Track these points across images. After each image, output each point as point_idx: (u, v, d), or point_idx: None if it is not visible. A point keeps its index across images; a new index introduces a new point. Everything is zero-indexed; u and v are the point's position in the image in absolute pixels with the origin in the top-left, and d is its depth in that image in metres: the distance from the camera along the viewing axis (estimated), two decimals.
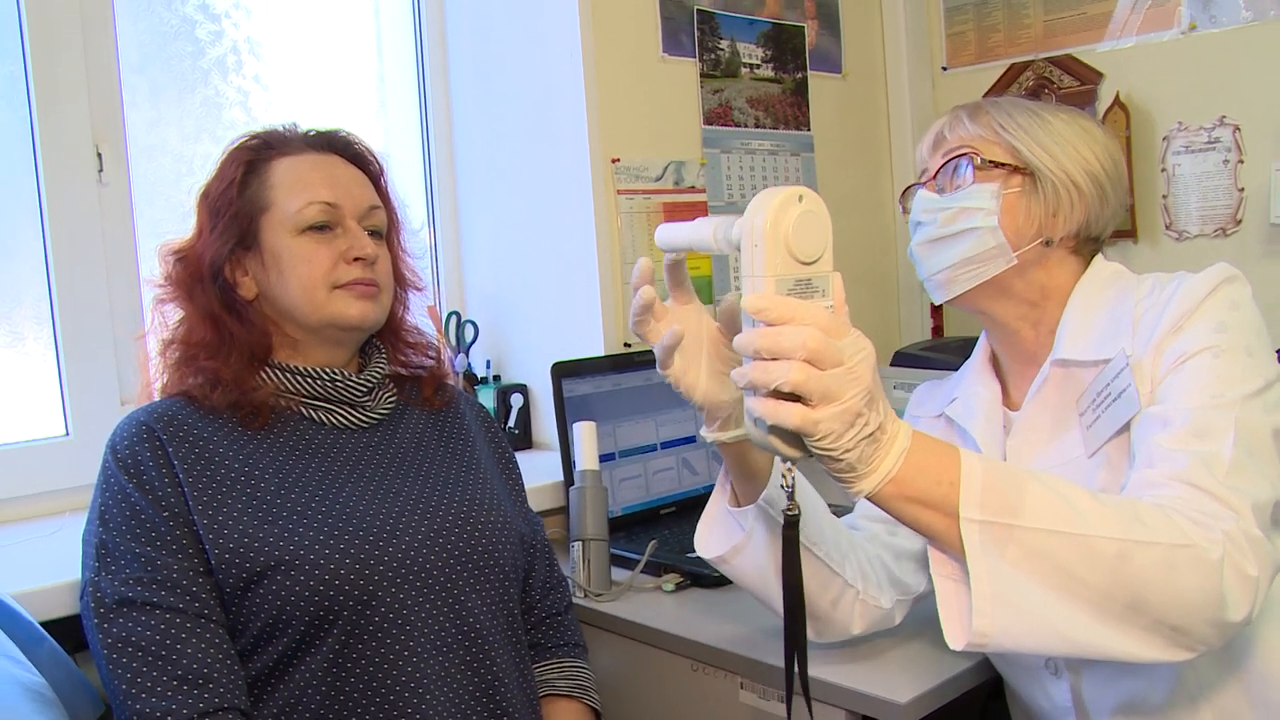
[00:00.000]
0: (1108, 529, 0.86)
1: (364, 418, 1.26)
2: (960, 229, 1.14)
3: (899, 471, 0.82)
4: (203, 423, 1.17)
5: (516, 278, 2.06)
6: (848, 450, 0.79)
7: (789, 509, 0.86)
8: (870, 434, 0.80)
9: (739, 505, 1.10)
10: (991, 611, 0.84)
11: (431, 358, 1.38)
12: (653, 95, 1.99)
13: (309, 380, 1.22)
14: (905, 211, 1.23)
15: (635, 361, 1.84)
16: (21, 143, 1.57)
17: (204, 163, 1.71)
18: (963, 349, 1.38)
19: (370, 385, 1.27)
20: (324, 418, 1.23)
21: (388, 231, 1.30)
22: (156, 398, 1.23)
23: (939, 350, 2.00)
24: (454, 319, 2.03)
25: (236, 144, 1.26)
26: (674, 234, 0.90)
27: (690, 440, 1.87)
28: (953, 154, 1.16)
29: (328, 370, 1.23)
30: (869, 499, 0.84)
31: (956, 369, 1.33)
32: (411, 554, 1.15)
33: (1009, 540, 0.84)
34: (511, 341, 2.08)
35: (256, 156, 1.24)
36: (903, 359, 2.00)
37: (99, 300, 1.62)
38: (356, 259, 1.21)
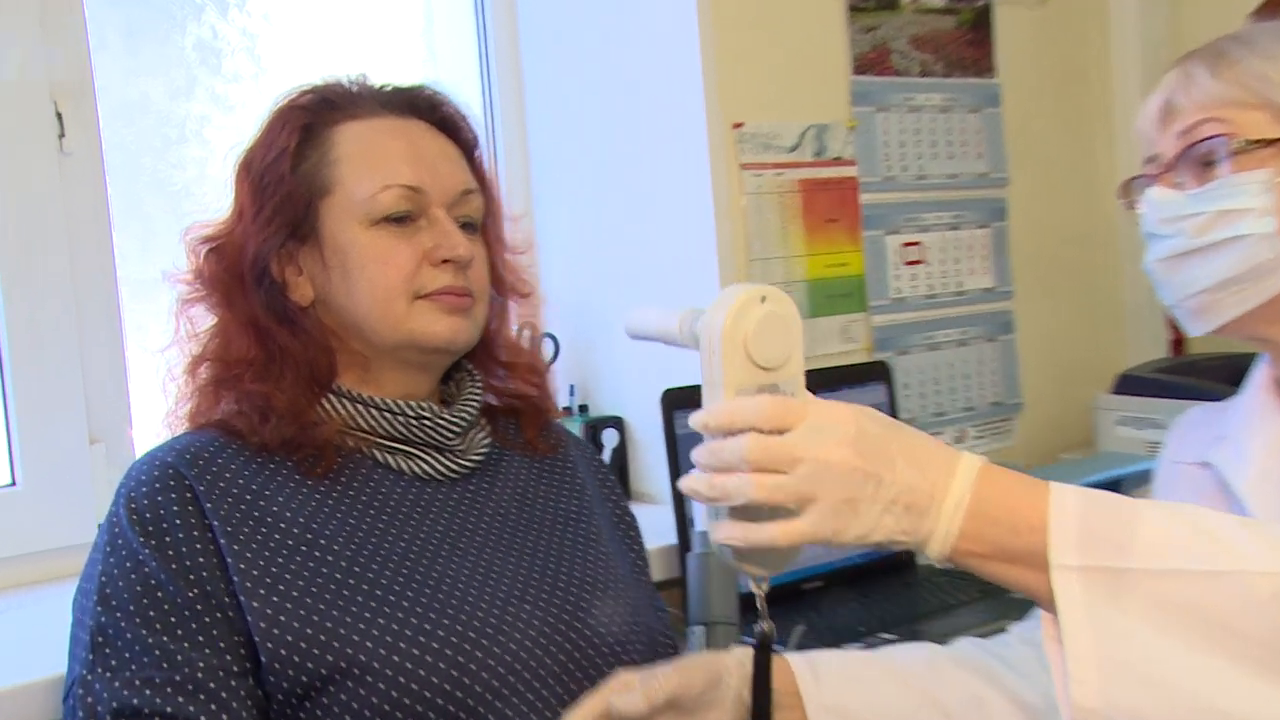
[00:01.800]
0: (1262, 562, 0.83)
1: (455, 466, 1.22)
2: (1220, 239, 1.07)
3: (963, 528, 0.85)
4: (246, 465, 1.13)
5: (606, 281, 2.03)
6: (865, 535, 0.84)
7: (763, 630, 0.96)
8: (890, 504, 0.84)
9: None
10: (1097, 680, 0.83)
11: (534, 384, 1.35)
12: (785, 39, 1.93)
13: (386, 416, 1.18)
14: (1128, 206, 1.18)
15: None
16: None
17: (198, 126, 1.79)
18: (1218, 371, 1.39)
19: (464, 424, 1.22)
20: (403, 464, 1.19)
21: (483, 221, 1.27)
22: (171, 433, 1.19)
23: (1181, 372, 1.92)
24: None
25: (287, 100, 1.22)
26: (644, 321, 0.95)
27: None
28: (1194, 133, 1.08)
29: (411, 404, 1.19)
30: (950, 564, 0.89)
31: (1205, 398, 1.29)
32: (523, 656, 1.11)
33: (1121, 587, 0.83)
34: (600, 363, 2.06)
35: (315, 119, 1.20)
36: (1131, 384, 1.93)
37: (61, 307, 1.59)
38: (445, 261, 1.17)
